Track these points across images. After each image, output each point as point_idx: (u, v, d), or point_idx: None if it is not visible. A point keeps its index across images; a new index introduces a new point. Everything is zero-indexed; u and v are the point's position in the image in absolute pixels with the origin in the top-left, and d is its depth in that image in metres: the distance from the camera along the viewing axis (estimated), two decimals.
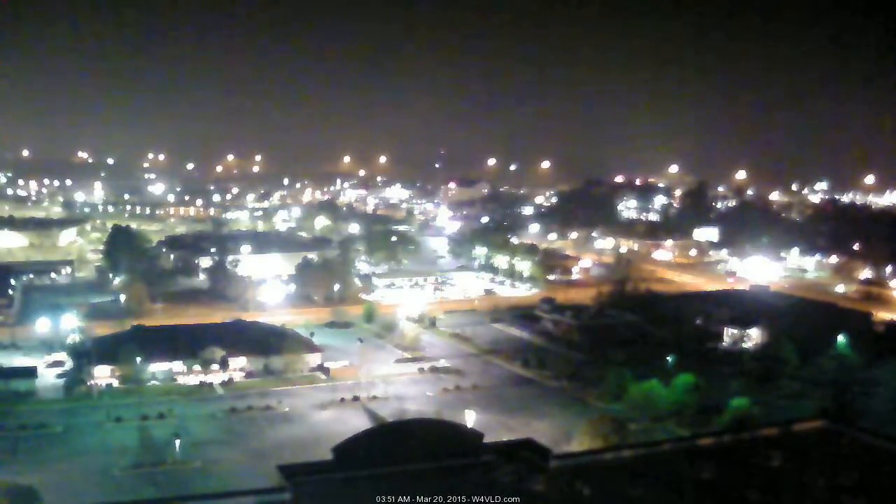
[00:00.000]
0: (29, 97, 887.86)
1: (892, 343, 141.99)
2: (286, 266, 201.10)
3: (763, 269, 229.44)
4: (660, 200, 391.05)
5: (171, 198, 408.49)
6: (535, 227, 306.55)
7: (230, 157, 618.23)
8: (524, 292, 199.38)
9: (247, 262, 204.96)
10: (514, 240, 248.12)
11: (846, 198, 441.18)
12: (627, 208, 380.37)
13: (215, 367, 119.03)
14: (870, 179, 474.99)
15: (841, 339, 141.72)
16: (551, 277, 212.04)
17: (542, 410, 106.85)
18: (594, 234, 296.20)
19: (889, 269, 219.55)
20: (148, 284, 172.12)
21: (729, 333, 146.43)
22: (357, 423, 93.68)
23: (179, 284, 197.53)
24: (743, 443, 76.14)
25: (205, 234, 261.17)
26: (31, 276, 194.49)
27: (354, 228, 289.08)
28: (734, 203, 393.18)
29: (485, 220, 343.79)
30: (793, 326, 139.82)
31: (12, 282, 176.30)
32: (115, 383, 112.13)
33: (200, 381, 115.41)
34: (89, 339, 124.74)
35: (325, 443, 72.80)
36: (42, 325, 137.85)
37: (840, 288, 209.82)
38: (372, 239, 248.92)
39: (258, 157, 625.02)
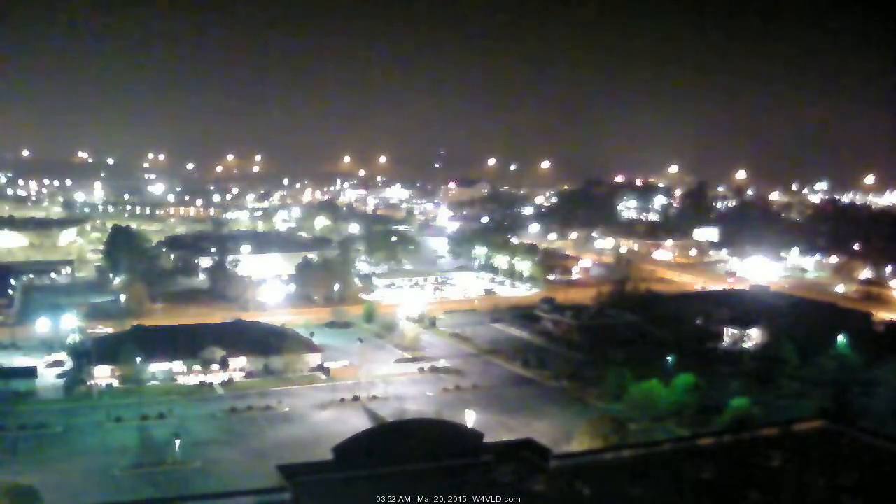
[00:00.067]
0: (29, 97, 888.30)
1: (892, 343, 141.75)
2: (286, 266, 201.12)
3: (763, 269, 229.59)
4: (660, 200, 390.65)
5: (171, 198, 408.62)
6: (535, 227, 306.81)
7: (230, 157, 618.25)
8: (524, 292, 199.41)
9: (247, 262, 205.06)
10: (514, 240, 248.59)
11: (846, 198, 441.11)
12: (627, 208, 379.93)
13: (215, 367, 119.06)
14: (870, 179, 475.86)
15: (841, 339, 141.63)
16: (551, 277, 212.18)
17: (542, 410, 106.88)
18: (594, 234, 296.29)
19: (889, 269, 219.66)
20: (148, 284, 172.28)
21: (729, 333, 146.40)
22: (357, 423, 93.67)
23: (179, 284, 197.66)
24: (743, 443, 76.02)
25: (205, 234, 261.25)
26: (31, 276, 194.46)
27: (354, 228, 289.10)
28: (734, 203, 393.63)
29: (485, 220, 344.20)
30: (793, 326, 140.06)
31: (12, 282, 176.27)
32: (115, 383, 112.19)
33: (200, 381, 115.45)
34: (89, 339, 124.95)
35: (325, 443, 72.71)
36: (42, 325, 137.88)
37: (840, 288, 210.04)
38: (372, 239, 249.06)
39: (258, 157, 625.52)
